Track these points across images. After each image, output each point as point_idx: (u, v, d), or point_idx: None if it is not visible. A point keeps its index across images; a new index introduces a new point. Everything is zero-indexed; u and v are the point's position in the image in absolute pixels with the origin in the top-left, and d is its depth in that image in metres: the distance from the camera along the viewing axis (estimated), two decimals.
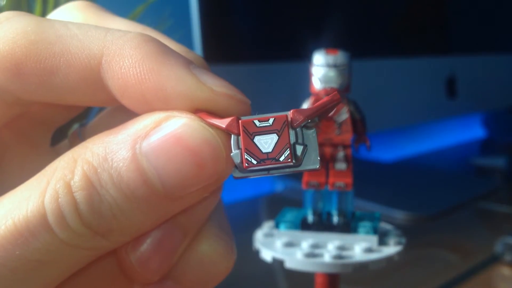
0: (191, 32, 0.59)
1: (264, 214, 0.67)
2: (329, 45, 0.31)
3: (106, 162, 0.15)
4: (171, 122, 0.15)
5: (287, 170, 0.16)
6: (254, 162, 0.15)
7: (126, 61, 0.16)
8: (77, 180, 0.15)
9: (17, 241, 0.14)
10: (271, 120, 0.15)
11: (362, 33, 0.71)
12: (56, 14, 0.21)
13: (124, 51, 0.16)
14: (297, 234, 0.30)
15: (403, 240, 0.31)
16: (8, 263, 0.14)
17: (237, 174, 0.16)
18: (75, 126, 0.22)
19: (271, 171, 0.15)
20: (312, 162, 0.15)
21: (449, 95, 0.86)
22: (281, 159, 0.15)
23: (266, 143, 0.15)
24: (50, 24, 0.16)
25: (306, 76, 0.31)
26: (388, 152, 0.99)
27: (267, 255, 0.30)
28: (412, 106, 0.81)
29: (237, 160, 0.15)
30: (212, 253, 0.18)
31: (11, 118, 0.17)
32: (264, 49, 0.65)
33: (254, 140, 0.15)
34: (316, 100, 0.30)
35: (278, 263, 0.30)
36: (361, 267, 0.28)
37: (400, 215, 0.60)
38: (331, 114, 0.15)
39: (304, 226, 0.31)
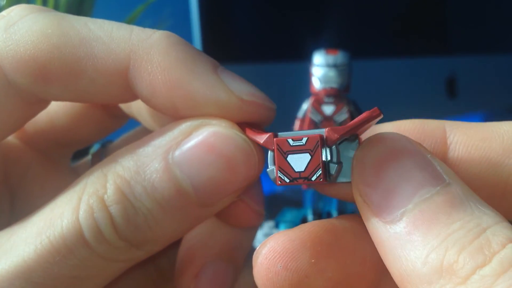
0: (191, 32, 0.59)
1: (264, 214, 0.67)
2: (329, 45, 0.31)
3: (138, 175, 0.15)
4: (203, 131, 0.15)
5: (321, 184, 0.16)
6: (287, 180, 0.15)
7: (155, 68, 0.15)
8: (110, 194, 0.15)
9: (55, 259, 0.14)
10: (304, 140, 0.15)
11: (362, 33, 0.71)
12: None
13: (152, 56, 0.15)
14: None
15: None
16: (47, 282, 0.14)
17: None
18: (97, 146, 0.21)
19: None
20: (347, 175, 0.15)
21: (449, 95, 0.86)
22: (313, 179, 0.15)
23: (299, 161, 0.15)
24: (69, 24, 0.16)
25: (306, 76, 0.31)
26: None
27: None
28: (412, 106, 0.81)
29: (272, 176, 0.15)
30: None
31: (31, 117, 0.17)
32: (264, 49, 0.65)
33: (287, 159, 0.15)
34: (316, 100, 0.30)
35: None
36: None
37: None
38: (366, 126, 0.15)
39: None
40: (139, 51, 0.15)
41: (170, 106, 0.16)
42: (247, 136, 0.16)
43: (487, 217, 0.12)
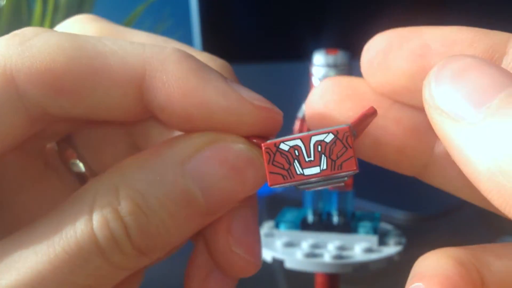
0: (191, 32, 0.59)
1: (264, 214, 0.67)
2: (329, 45, 0.31)
3: (152, 187, 0.15)
4: (216, 144, 0.16)
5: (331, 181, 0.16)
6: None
7: (170, 77, 0.16)
8: (124, 206, 0.15)
9: (70, 268, 0.15)
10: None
11: (362, 33, 0.71)
12: (65, 27, 0.21)
13: (167, 66, 0.16)
14: (297, 234, 0.30)
15: (403, 240, 0.31)
16: None
17: (301, 187, 0.16)
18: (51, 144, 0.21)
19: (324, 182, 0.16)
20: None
21: None
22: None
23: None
24: (85, 39, 0.16)
25: (306, 76, 0.31)
26: None
27: (267, 255, 0.30)
28: None
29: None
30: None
31: (31, 134, 0.17)
32: (264, 49, 0.65)
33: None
34: None
35: (278, 263, 0.30)
36: (361, 267, 0.28)
37: (400, 215, 0.60)
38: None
39: (304, 226, 0.31)
40: (153, 62, 0.16)
41: (184, 115, 0.16)
42: (251, 142, 0.16)
43: None
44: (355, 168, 0.15)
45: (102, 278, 0.15)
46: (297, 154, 0.15)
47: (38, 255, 0.15)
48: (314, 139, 0.15)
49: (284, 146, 0.15)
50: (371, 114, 0.16)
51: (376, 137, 0.17)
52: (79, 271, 0.15)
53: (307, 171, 0.15)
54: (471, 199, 0.18)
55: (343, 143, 0.15)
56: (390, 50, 0.16)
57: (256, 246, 0.19)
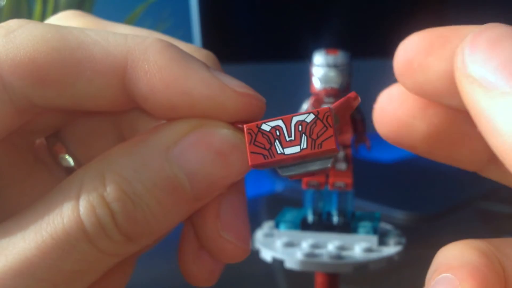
0: (191, 32, 0.59)
1: (264, 214, 0.67)
2: (329, 45, 0.31)
3: (137, 173, 0.16)
4: (201, 130, 0.16)
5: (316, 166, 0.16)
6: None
7: (152, 67, 0.16)
8: (110, 192, 0.15)
9: (57, 254, 0.15)
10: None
11: (362, 33, 0.71)
12: (52, 22, 0.21)
13: (149, 56, 0.16)
14: (297, 234, 0.30)
15: (403, 240, 0.31)
16: (49, 277, 0.15)
17: (284, 173, 0.17)
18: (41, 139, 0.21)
19: (305, 166, 0.16)
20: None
21: None
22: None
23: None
24: (68, 30, 0.16)
25: (306, 76, 0.31)
26: (388, 152, 0.99)
27: (267, 255, 0.30)
28: None
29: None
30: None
31: (18, 126, 0.17)
32: (264, 49, 0.65)
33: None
34: (316, 100, 0.30)
35: (278, 263, 0.30)
36: (361, 267, 0.28)
37: (400, 215, 0.60)
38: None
39: (304, 226, 0.31)
40: (135, 52, 0.16)
41: (167, 104, 0.16)
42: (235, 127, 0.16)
43: None
44: (334, 146, 0.15)
45: (89, 264, 0.15)
46: (278, 134, 0.15)
47: (26, 241, 0.15)
48: (295, 119, 0.15)
49: (265, 127, 0.15)
50: (353, 99, 0.16)
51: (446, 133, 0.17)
52: (66, 257, 0.15)
53: (288, 150, 0.15)
54: None
55: (323, 123, 0.15)
56: (431, 50, 0.15)
57: (244, 231, 0.19)
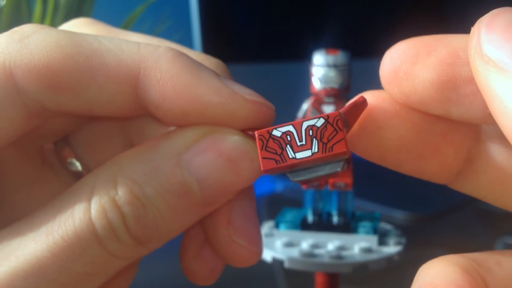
0: (191, 32, 0.59)
1: (264, 214, 0.67)
2: (329, 45, 0.31)
3: (149, 178, 0.16)
4: (212, 136, 0.16)
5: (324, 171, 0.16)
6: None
7: (164, 75, 0.16)
8: (121, 195, 0.15)
9: (68, 256, 0.15)
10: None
11: (362, 33, 0.71)
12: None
13: (161, 65, 0.16)
14: (297, 234, 0.30)
15: (403, 240, 0.31)
16: (59, 279, 0.15)
17: (295, 178, 0.17)
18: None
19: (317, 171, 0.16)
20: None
21: None
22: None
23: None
24: (82, 37, 0.16)
25: (306, 76, 0.31)
26: None
27: (267, 255, 0.30)
28: None
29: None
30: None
31: (29, 129, 0.18)
32: (264, 49, 0.65)
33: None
34: (316, 100, 0.30)
35: (278, 263, 0.30)
36: (361, 267, 0.28)
37: (400, 215, 0.60)
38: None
39: (304, 226, 0.31)
40: (148, 61, 0.16)
41: (178, 112, 0.16)
42: (247, 134, 0.17)
43: None
44: (345, 149, 0.15)
45: (99, 266, 0.16)
46: (289, 139, 0.16)
47: (37, 243, 0.15)
48: (305, 124, 0.16)
49: (276, 133, 0.16)
50: (361, 103, 0.16)
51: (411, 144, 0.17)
52: (77, 259, 0.15)
53: (299, 155, 0.15)
54: (504, 206, 0.17)
55: (333, 127, 0.15)
56: (417, 59, 0.15)
57: (256, 235, 0.19)
